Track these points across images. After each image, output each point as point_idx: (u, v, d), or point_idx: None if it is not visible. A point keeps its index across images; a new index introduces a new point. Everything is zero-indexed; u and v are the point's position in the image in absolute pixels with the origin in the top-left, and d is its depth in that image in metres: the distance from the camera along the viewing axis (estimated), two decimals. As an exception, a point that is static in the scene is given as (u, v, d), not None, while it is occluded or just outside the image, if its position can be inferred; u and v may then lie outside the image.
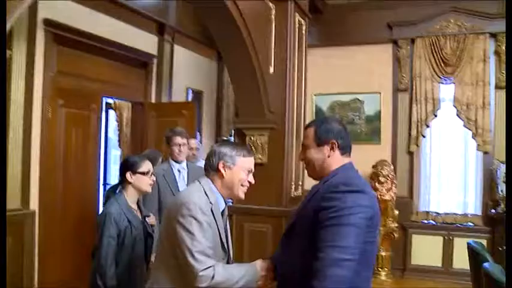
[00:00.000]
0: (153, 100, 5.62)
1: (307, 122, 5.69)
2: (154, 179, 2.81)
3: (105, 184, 6.43)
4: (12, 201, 3.74)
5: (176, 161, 3.82)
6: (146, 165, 2.73)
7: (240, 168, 2.07)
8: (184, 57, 6.23)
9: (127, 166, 2.70)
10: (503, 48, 5.77)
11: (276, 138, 4.61)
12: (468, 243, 3.57)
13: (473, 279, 3.50)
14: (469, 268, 5.54)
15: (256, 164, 4.58)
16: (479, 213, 5.94)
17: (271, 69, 4.49)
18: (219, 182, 2.07)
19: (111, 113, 6.43)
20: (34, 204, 4.06)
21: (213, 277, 1.86)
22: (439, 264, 5.93)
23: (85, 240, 4.12)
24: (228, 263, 2.11)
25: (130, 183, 2.67)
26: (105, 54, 4.89)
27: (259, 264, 2.05)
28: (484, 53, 5.87)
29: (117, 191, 2.75)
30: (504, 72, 5.84)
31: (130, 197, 2.68)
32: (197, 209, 1.90)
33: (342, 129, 1.98)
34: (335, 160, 1.93)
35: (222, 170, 2.05)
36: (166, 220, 2.03)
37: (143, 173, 2.69)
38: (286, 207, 4.60)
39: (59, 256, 4.27)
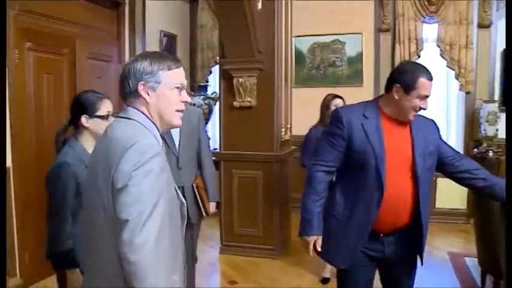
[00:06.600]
0: (126, 45, 5.16)
1: (293, 63, 5.52)
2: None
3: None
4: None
5: None
6: (105, 107, 2.21)
7: (168, 87, 1.50)
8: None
9: (82, 108, 2.19)
10: (487, -16, 5.64)
11: (265, 79, 4.39)
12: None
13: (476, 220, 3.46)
14: (450, 207, 5.77)
15: (245, 107, 4.46)
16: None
17: (259, 5, 4.18)
18: (144, 110, 1.50)
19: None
20: (7, 160, 3.69)
21: None
22: (422, 205, 5.96)
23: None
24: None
25: (86, 128, 2.19)
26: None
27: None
28: (467, -10, 5.72)
29: (70, 137, 2.26)
30: (487, 11, 5.75)
31: (87, 142, 2.20)
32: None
33: None
34: None
35: (144, 94, 1.48)
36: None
37: (102, 117, 2.18)
38: (277, 151, 4.43)
39: (37, 215, 3.93)
